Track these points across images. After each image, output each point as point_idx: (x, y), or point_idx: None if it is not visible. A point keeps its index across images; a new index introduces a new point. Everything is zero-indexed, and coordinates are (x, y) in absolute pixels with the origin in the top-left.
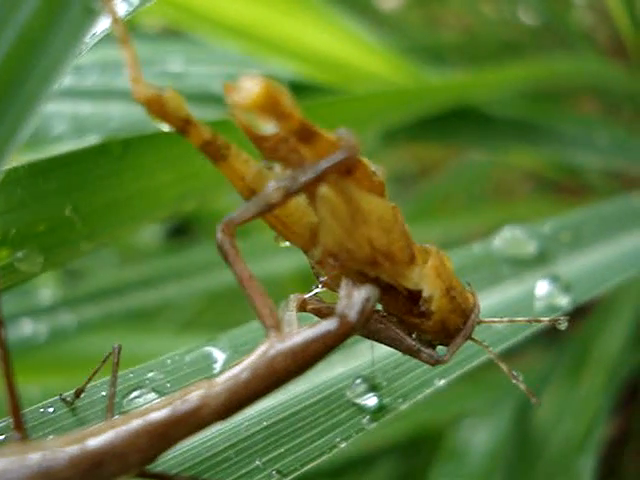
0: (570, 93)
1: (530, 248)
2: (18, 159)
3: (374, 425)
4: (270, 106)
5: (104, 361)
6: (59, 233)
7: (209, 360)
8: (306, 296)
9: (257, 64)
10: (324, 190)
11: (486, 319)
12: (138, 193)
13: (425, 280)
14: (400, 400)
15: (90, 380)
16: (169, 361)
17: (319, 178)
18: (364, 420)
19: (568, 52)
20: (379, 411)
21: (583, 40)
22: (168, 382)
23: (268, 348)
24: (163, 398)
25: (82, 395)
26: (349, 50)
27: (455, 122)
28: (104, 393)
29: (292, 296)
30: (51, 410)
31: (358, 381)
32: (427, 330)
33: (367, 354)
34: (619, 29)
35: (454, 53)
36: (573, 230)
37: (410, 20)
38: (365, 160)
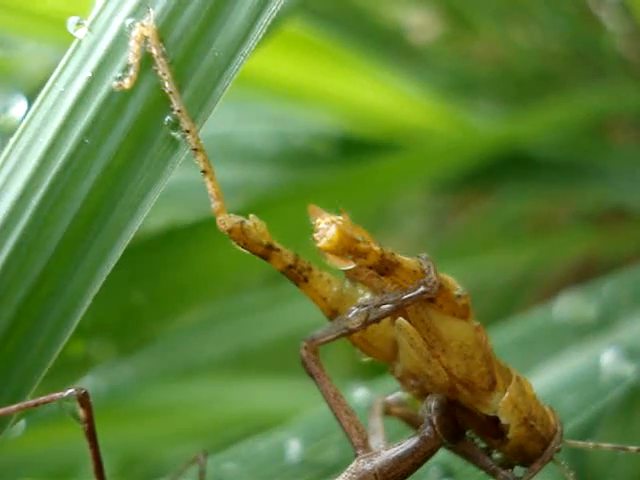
0: (608, 125)
1: (590, 313)
2: None
3: None
4: (347, 248)
5: (187, 465)
6: (130, 320)
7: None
8: (390, 398)
9: (302, 121)
10: (402, 321)
11: (571, 442)
12: (202, 276)
13: (502, 411)
14: None
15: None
16: (244, 449)
17: (399, 309)
18: None
19: (605, 81)
20: None
21: (618, 66)
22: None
23: (357, 468)
24: None
25: None
26: (391, 102)
27: (501, 168)
28: None
29: (377, 400)
30: None
31: (435, 468)
32: (504, 453)
33: None
34: None
35: (488, 86)
36: (633, 289)
37: (442, 53)
38: (450, 282)
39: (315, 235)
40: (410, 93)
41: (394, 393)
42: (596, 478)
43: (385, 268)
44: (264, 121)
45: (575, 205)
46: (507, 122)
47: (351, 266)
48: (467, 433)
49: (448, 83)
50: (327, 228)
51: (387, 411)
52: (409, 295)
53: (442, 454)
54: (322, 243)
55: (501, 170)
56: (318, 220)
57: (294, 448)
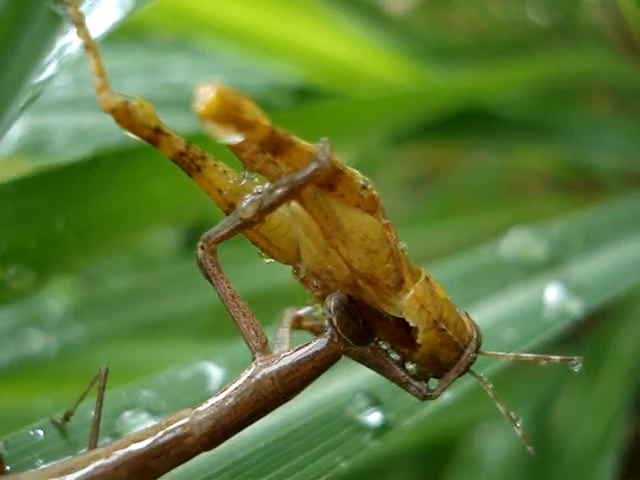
0: (581, 91)
1: (539, 251)
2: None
3: (376, 443)
4: (228, 115)
5: (92, 383)
6: (51, 248)
7: (204, 377)
8: (301, 312)
9: (261, 71)
10: (296, 207)
11: (489, 352)
12: (133, 205)
13: (407, 311)
14: (404, 415)
15: (79, 403)
16: (163, 379)
17: (293, 192)
18: (366, 437)
19: (578, 49)
20: (382, 427)
21: (593, 38)
22: (162, 401)
23: (254, 372)
24: (145, 428)
25: (72, 417)
26: (354, 54)
27: (464, 123)
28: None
29: (287, 311)
30: (41, 433)
31: (359, 396)
32: (416, 361)
33: None
34: (629, 25)
35: (462, 54)
36: (584, 232)
37: (418, 23)
38: (352, 173)
39: (195, 102)
40: (376, 47)
41: (306, 307)
42: (558, 441)
43: (276, 146)
44: (222, 72)
45: (541, 167)
46: (468, 78)
47: (236, 138)
48: (380, 344)
49: (420, 49)
50: (207, 93)
51: (298, 324)
52: (301, 175)
53: (368, 380)
54: (200, 107)
55: (462, 125)
56: (200, 87)
57: (216, 377)
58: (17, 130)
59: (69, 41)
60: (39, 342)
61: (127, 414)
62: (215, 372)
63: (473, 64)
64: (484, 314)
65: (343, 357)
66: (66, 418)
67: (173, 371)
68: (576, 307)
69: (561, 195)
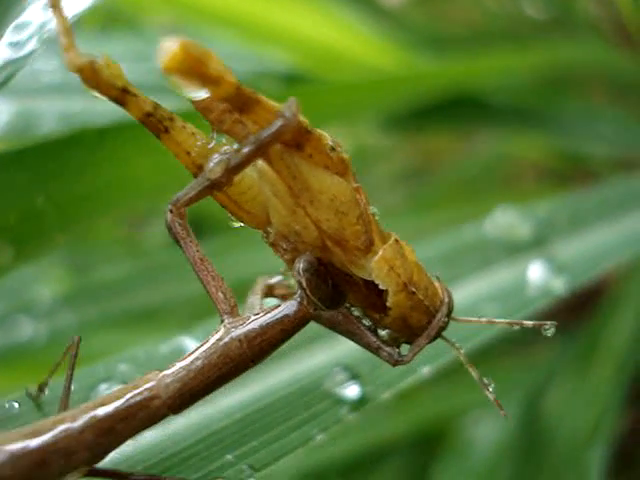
0: (575, 82)
1: (524, 231)
2: None
3: (354, 415)
4: (191, 68)
5: (65, 353)
6: (31, 225)
7: (183, 352)
8: (273, 280)
9: (253, 57)
10: (263, 166)
11: (462, 318)
12: (115, 183)
13: (376, 272)
14: (382, 388)
15: (52, 374)
16: (141, 353)
17: (260, 150)
18: (343, 410)
19: (573, 40)
20: (360, 401)
21: (588, 29)
22: (139, 375)
23: (222, 335)
24: (112, 391)
25: (46, 389)
26: (345, 41)
27: (457, 111)
28: (73, 387)
29: (260, 279)
30: (16, 405)
31: (338, 369)
32: (387, 326)
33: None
34: (624, 17)
35: (456, 44)
36: (570, 212)
37: (413, 15)
38: (320, 134)
39: (159, 56)
40: (368, 35)
41: (278, 276)
42: (549, 430)
43: (243, 103)
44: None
45: (535, 156)
46: (458, 65)
47: (201, 93)
48: (352, 310)
49: (414, 40)
50: (171, 46)
51: (270, 292)
52: (268, 132)
53: (347, 355)
54: (164, 60)
55: (455, 112)
56: (164, 42)
57: None
58: (4, 115)
59: (51, 17)
60: (28, 329)
61: (103, 387)
62: (194, 346)
63: (466, 54)
64: (467, 291)
65: (323, 330)
66: (40, 389)
67: (151, 346)
68: (559, 285)
69: (555, 186)
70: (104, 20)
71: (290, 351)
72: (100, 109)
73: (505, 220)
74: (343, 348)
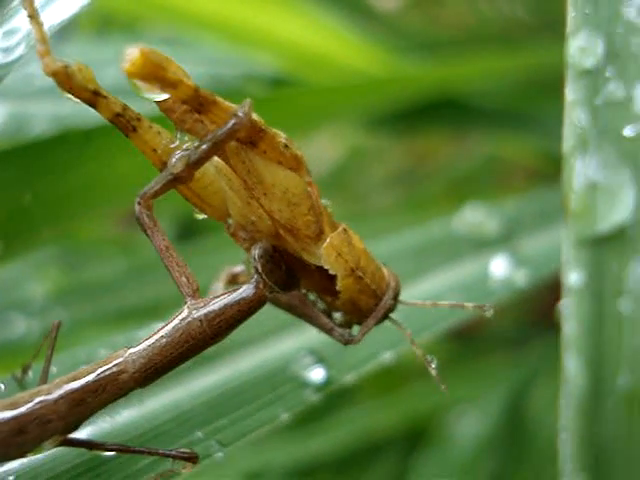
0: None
1: (491, 227)
2: None
3: (318, 396)
4: (151, 73)
5: (46, 337)
6: (19, 221)
7: None
8: (237, 269)
9: (238, 61)
10: (218, 162)
11: (408, 301)
12: (99, 181)
13: (325, 258)
14: (346, 372)
15: (36, 356)
16: (122, 338)
17: (216, 146)
18: (307, 392)
19: (560, 43)
20: (324, 383)
21: None
22: None
23: (185, 315)
24: (86, 366)
25: (30, 371)
26: (332, 44)
27: (445, 113)
28: (55, 369)
29: (226, 268)
30: (2, 386)
31: (303, 353)
32: (339, 309)
33: None
34: None
35: (448, 48)
36: (537, 208)
37: (404, 19)
38: (275, 132)
39: (122, 61)
40: (355, 40)
41: (241, 265)
42: (532, 425)
43: (200, 104)
44: (199, 63)
45: (525, 158)
46: (443, 67)
47: (161, 96)
48: (307, 294)
49: (403, 43)
50: (133, 53)
51: (233, 280)
52: (222, 130)
53: (313, 340)
54: (126, 66)
55: (442, 113)
56: (127, 49)
57: None
58: None
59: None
60: (21, 326)
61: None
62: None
63: (456, 57)
64: (432, 283)
65: (290, 318)
66: (24, 371)
67: (132, 332)
68: (521, 277)
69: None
70: (100, 25)
71: (259, 338)
72: (90, 112)
73: (473, 216)
74: (310, 334)
